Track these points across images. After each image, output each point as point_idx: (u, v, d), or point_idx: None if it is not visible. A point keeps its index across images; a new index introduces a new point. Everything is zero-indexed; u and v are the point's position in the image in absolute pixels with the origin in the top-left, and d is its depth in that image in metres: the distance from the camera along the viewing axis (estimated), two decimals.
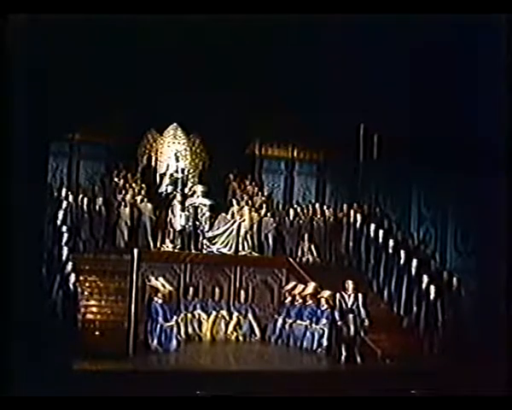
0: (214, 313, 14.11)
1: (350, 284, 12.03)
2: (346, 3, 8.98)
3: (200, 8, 9.36)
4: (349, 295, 11.92)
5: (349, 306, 11.80)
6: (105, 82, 14.79)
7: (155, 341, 12.12)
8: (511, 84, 8.76)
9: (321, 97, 15.92)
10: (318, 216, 16.29)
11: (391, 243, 14.71)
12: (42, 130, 7.92)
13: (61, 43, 8.37)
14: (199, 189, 15.91)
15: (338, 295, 11.89)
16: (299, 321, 13.55)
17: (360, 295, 11.94)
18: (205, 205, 15.55)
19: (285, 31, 13.20)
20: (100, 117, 15.31)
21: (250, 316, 14.27)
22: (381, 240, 14.98)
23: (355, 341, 11.69)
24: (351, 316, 11.69)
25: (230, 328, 14.13)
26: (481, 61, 10.82)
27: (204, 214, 15.44)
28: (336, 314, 12.01)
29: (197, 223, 15.30)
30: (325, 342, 12.82)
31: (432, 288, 12.99)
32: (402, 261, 14.19)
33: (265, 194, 17.39)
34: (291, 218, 16.17)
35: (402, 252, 14.30)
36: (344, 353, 11.73)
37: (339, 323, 11.85)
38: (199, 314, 13.98)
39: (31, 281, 7.98)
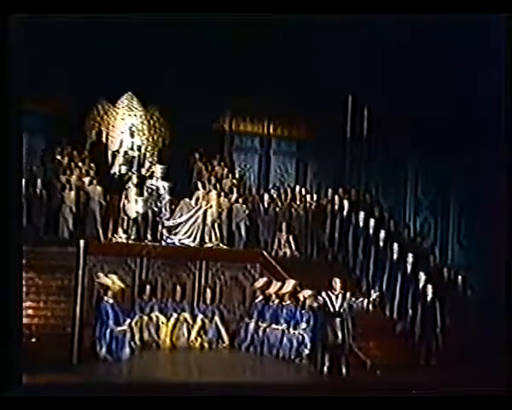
0: (175, 315, 13.95)
1: (337, 283, 11.88)
2: None
3: None
4: (336, 296, 11.77)
5: (336, 308, 11.69)
6: (49, 41, 14.48)
7: (104, 348, 11.97)
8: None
9: (303, 63, 15.84)
10: (298, 202, 16.36)
11: (382, 234, 14.77)
12: None
13: None
14: (158, 169, 15.76)
15: (324, 294, 11.78)
16: (274, 325, 13.43)
17: (348, 296, 11.87)
18: (165, 188, 15.45)
19: None
20: (40, 81, 14.88)
21: (217, 319, 14.16)
22: (371, 231, 15.04)
23: (341, 349, 11.64)
24: (338, 320, 11.61)
25: (194, 333, 13.98)
26: (481, 39, 11.56)
27: (164, 199, 15.32)
28: (320, 317, 11.97)
29: (156, 209, 15.20)
30: (305, 350, 12.78)
31: (429, 287, 13.00)
32: (395, 256, 14.27)
33: (236, 176, 17.43)
34: (266, 204, 16.21)
35: (395, 245, 14.37)
36: (327, 363, 11.71)
37: (323, 328, 11.80)
38: (157, 317, 13.79)
39: None
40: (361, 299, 12.01)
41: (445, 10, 9.25)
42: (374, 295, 12.11)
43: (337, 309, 11.69)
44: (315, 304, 12.12)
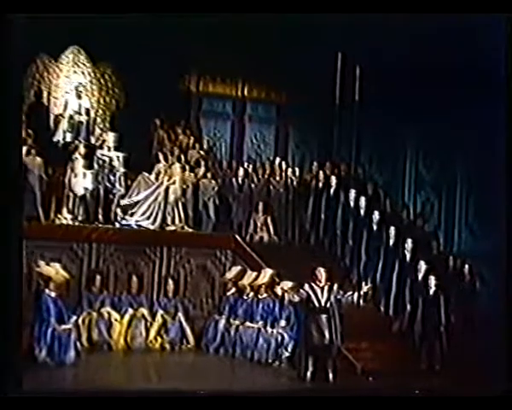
0: (130, 311, 13.96)
1: (323, 274, 11.86)
2: None
3: None
4: (322, 289, 11.75)
5: (322, 303, 11.67)
6: None
7: (44, 350, 11.83)
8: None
9: (284, 14, 15.62)
10: (278, 178, 16.41)
11: (376, 215, 14.83)
12: None
13: None
14: (110, 137, 15.67)
15: (307, 286, 11.76)
16: (249, 323, 13.50)
17: (336, 288, 11.86)
18: (119, 160, 15.34)
19: None
20: None
21: (181, 316, 14.19)
22: (362, 212, 15.09)
23: (328, 351, 11.63)
24: (323, 317, 11.59)
25: (153, 332, 14.01)
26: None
27: (117, 173, 15.25)
28: (302, 314, 11.96)
29: (108, 185, 15.17)
30: (285, 353, 12.81)
31: (432, 279, 13.02)
32: (392, 241, 14.32)
33: (205, 146, 17.45)
34: (240, 180, 16.21)
35: (392, 229, 14.41)
36: (311, 367, 11.69)
37: (306, 326, 11.76)
38: (108, 313, 13.78)
39: None
40: (351, 292, 12.04)
41: (444, 10, 10.18)
42: (366, 287, 12.17)
43: (323, 304, 11.69)
44: (296, 298, 12.07)
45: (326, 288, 11.77)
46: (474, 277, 13.47)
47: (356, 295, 11.90)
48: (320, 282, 11.79)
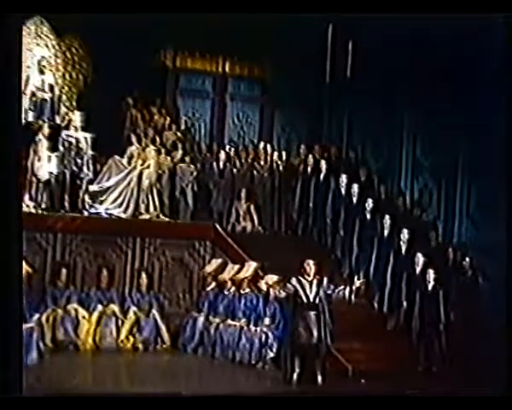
0: (100, 307, 13.98)
1: (311, 266, 11.88)
2: None
3: None
4: (310, 283, 11.75)
5: (310, 299, 11.68)
6: None
7: None
8: None
9: None
10: (262, 162, 16.47)
11: (370, 203, 14.88)
12: None
13: None
14: (77, 117, 15.71)
15: (294, 280, 11.76)
16: (230, 320, 13.57)
17: (326, 283, 11.87)
18: (87, 142, 15.35)
19: None
20: None
21: (155, 313, 14.22)
22: (355, 199, 15.16)
23: (316, 351, 11.65)
24: (312, 314, 11.60)
25: (125, 331, 14.03)
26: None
27: (86, 156, 15.25)
28: (289, 311, 11.96)
29: (75, 169, 15.16)
30: (270, 353, 12.82)
31: (430, 272, 13.07)
32: (386, 232, 14.39)
33: (182, 127, 17.44)
34: (221, 165, 16.28)
35: (387, 218, 14.46)
36: (297, 369, 11.71)
37: (292, 324, 11.77)
38: (75, 310, 13.78)
39: None
40: (342, 287, 12.02)
41: (444, 10, 10.72)
42: (358, 282, 12.10)
43: (311, 300, 11.71)
44: (282, 293, 12.07)
45: (315, 282, 11.76)
46: (476, 270, 13.49)
47: (347, 290, 11.86)
48: (308, 275, 11.79)
